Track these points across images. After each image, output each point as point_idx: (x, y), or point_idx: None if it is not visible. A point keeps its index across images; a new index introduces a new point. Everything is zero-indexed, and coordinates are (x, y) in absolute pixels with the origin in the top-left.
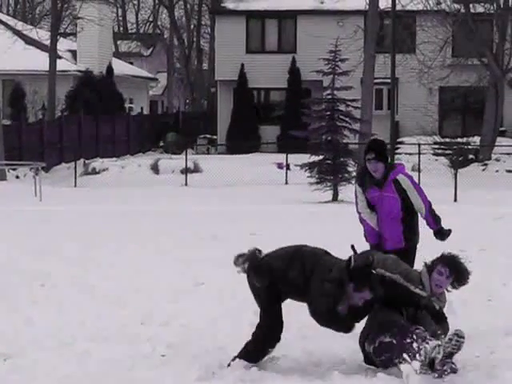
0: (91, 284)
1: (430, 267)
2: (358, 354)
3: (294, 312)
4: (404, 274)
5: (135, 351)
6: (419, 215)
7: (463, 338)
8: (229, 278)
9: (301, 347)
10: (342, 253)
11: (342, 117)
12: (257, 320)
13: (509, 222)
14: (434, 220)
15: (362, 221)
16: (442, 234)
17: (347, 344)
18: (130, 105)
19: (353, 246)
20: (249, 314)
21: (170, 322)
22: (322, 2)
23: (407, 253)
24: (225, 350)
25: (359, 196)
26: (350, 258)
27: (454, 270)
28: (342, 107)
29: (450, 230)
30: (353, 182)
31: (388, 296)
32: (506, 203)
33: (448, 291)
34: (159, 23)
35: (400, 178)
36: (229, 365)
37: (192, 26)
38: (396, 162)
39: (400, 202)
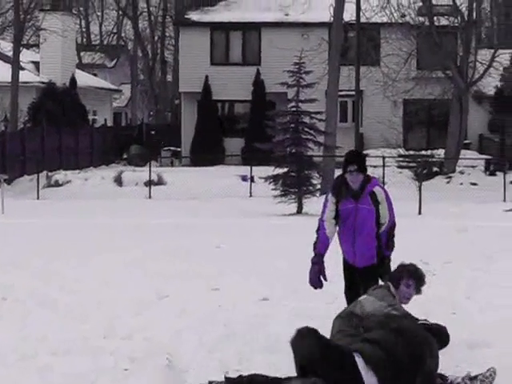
0: (54, 297)
1: (395, 280)
2: None
3: (260, 324)
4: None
5: (98, 365)
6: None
7: (495, 373)
8: (193, 291)
9: (266, 361)
10: (306, 262)
11: (306, 129)
12: (222, 332)
13: (473, 235)
14: (387, 243)
15: (319, 229)
16: (386, 265)
17: None
18: (94, 117)
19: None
20: (213, 327)
21: (133, 336)
22: (286, 14)
23: (377, 267)
24: (188, 363)
25: (330, 206)
26: (425, 324)
27: (419, 280)
28: (307, 119)
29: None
30: (317, 194)
31: None
32: (470, 216)
33: None
34: (123, 35)
35: (376, 190)
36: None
37: (156, 38)
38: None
39: (375, 215)
